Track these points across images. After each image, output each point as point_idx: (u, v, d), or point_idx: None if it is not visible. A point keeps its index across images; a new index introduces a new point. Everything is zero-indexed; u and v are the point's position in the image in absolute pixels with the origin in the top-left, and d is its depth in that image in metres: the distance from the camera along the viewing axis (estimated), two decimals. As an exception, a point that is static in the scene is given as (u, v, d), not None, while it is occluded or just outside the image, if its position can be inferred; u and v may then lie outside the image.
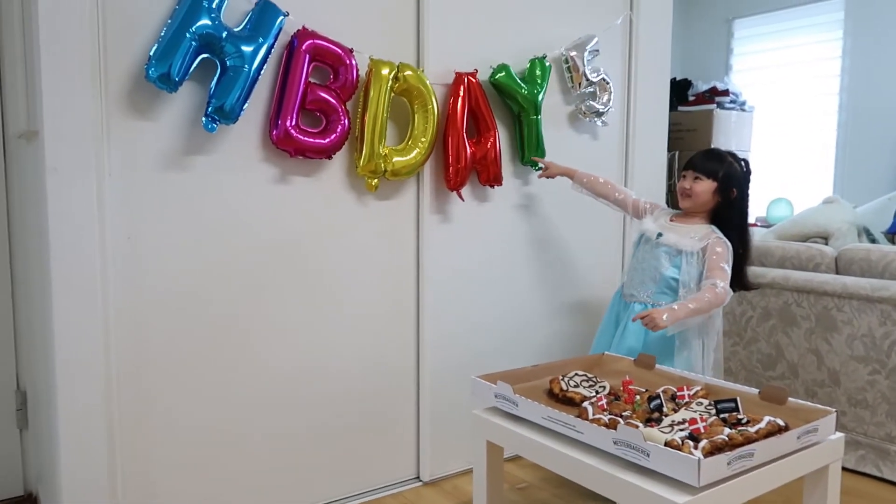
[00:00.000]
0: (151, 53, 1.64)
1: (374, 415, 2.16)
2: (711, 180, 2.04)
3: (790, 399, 1.60)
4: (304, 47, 1.85)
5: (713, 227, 2.05)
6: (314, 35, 1.87)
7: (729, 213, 2.06)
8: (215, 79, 1.73)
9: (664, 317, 1.85)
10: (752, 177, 2.11)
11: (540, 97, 2.29)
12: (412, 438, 2.26)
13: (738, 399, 1.51)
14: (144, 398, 1.77)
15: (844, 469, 2.32)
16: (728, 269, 1.97)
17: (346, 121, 1.93)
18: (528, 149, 2.33)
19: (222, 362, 1.87)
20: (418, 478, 2.28)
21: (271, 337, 1.95)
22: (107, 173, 1.66)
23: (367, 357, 2.13)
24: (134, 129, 1.70)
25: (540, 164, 2.33)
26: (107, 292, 1.68)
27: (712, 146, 4.50)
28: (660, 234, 2.07)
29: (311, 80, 1.89)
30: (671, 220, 2.12)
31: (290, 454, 2.01)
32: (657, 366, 1.88)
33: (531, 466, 2.33)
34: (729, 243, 2.01)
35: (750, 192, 2.11)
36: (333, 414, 2.08)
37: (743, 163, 2.09)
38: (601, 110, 2.47)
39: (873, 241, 3.55)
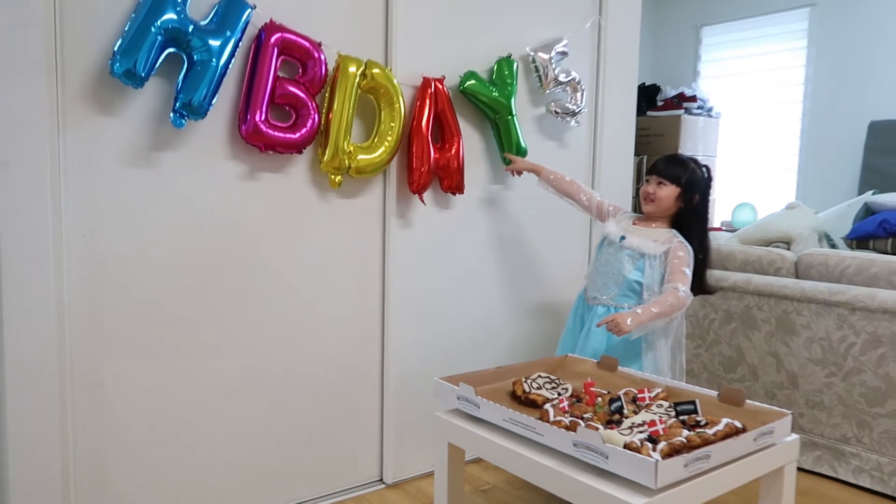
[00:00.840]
0: (116, 48, 1.60)
1: (337, 416, 2.15)
2: (675, 186, 2.06)
3: (748, 401, 1.62)
4: (272, 41, 1.83)
5: (674, 231, 2.08)
6: (282, 28, 1.85)
7: (690, 219, 2.09)
8: (182, 73, 1.70)
9: (628, 321, 1.87)
10: (713, 183, 2.14)
11: (512, 98, 2.30)
12: (376, 440, 2.25)
13: (697, 401, 1.53)
14: (101, 399, 1.73)
15: (802, 470, 2.37)
16: (689, 273, 2.00)
17: (317, 115, 1.91)
18: (508, 149, 2.33)
19: (183, 363, 1.84)
20: (381, 480, 2.26)
21: (234, 338, 1.92)
22: (62, 169, 1.62)
23: (331, 358, 2.11)
24: (95, 124, 1.67)
25: (508, 158, 2.33)
26: (61, 291, 1.64)
27: (679, 151, 4.57)
28: (623, 237, 2.09)
29: (280, 74, 1.87)
30: (634, 224, 2.14)
31: (251, 456, 1.98)
32: (620, 368, 1.90)
33: (495, 468, 2.34)
34: (690, 247, 2.03)
35: (711, 198, 2.14)
36: (296, 415, 2.06)
37: (705, 169, 2.12)
38: (574, 110, 2.49)
39: (833, 246, 3.63)
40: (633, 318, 1.88)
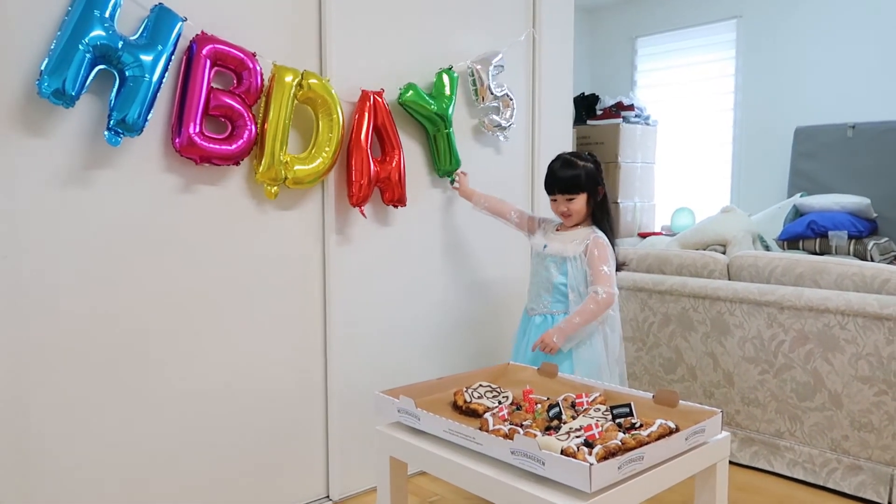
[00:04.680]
0: (42, 68, 1.56)
1: (281, 433, 2.12)
2: (582, 193, 2.12)
3: (681, 402, 1.67)
4: (204, 52, 1.81)
5: (593, 227, 2.15)
6: (214, 39, 1.83)
7: (601, 209, 2.17)
8: (115, 90, 1.67)
9: (555, 339, 1.99)
10: (600, 164, 2.19)
11: (450, 111, 2.33)
12: (321, 457, 2.22)
13: (633, 404, 1.57)
14: (26, 429, 1.66)
15: (740, 465, 2.45)
16: (608, 269, 2.06)
17: (253, 126, 1.90)
18: (442, 162, 2.37)
19: (119, 380, 1.79)
20: (328, 497, 2.24)
21: (174, 355, 1.88)
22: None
23: (272, 374, 2.09)
24: (21, 147, 1.61)
25: (456, 178, 2.37)
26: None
27: (619, 159, 4.68)
28: (545, 246, 2.16)
29: (214, 85, 1.85)
30: (557, 231, 2.21)
31: (193, 474, 1.94)
32: (560, 373, 1.93)
33: (442, 479, 2.34)
34: (606, 240, 2.10)
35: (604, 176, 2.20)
36: (240, 433, 2.02)
37: (588, 155, 2.18)
38: (504, 125, 2.53)
39: (767, 247, 3.78)
40: (557, 334, 2.00)
